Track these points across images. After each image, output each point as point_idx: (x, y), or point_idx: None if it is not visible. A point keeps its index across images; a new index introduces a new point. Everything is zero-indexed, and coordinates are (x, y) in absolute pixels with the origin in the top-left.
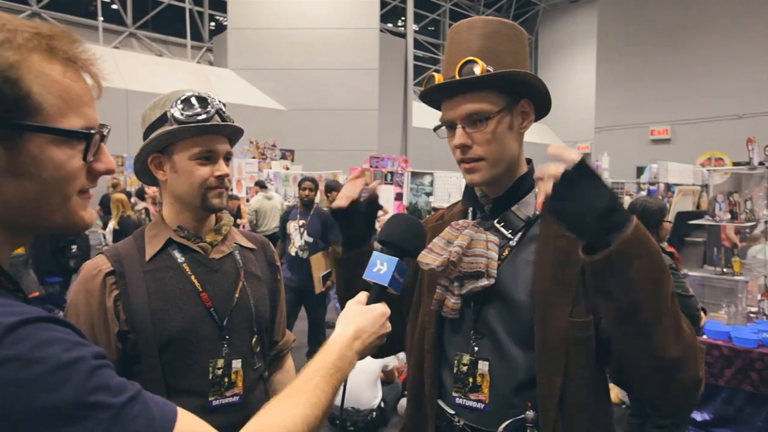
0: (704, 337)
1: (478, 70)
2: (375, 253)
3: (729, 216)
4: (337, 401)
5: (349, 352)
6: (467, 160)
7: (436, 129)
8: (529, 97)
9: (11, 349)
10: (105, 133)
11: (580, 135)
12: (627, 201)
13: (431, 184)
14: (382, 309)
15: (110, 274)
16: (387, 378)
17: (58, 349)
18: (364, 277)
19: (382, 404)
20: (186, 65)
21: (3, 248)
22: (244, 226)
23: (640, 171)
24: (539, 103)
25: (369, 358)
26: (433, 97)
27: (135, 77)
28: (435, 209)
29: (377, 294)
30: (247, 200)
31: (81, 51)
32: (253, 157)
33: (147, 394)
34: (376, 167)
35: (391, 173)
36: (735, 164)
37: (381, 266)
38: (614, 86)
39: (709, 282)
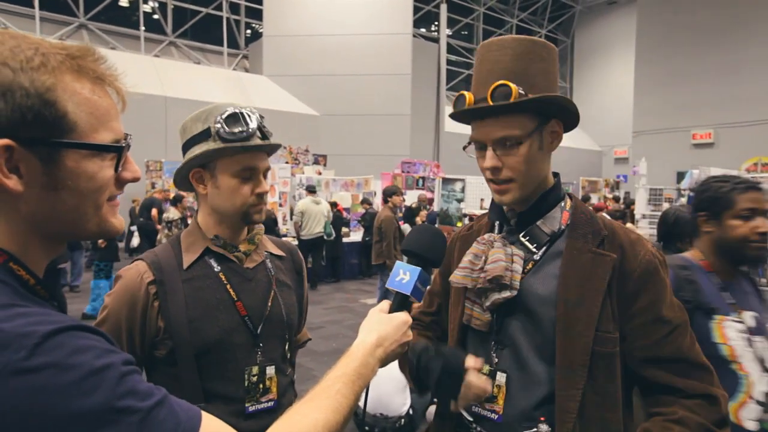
0: None
1: (510, 95)
2: (398, 263)
3: None
4: (369, 410)
5: (372, 359)
6: (497, 182)
7: (465, 147)
8: (558, 116)
9: (48, 356)
10: (130, 143)
11: (618, 139)
12: (666, 207)
13: (462, 190)
14: (404, 318)
15: (152, 283)
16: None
17: (90, 356)
18: (387, 285)
19: (411, 411)
20: (222, 72)
21: (41, 258)
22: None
23: (680, 176)
24: (568, 120)
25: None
26: (463, 116)
27: (174, 84)
28: (465, 215)
29: (399, 303)
30: (280, 205)
31: (106, 68)
32: (287, 162)
33: (173, 399)
34: (408, 172)
35: (423, 178)
36: None
37: (404, 275)
38: (654, 89)
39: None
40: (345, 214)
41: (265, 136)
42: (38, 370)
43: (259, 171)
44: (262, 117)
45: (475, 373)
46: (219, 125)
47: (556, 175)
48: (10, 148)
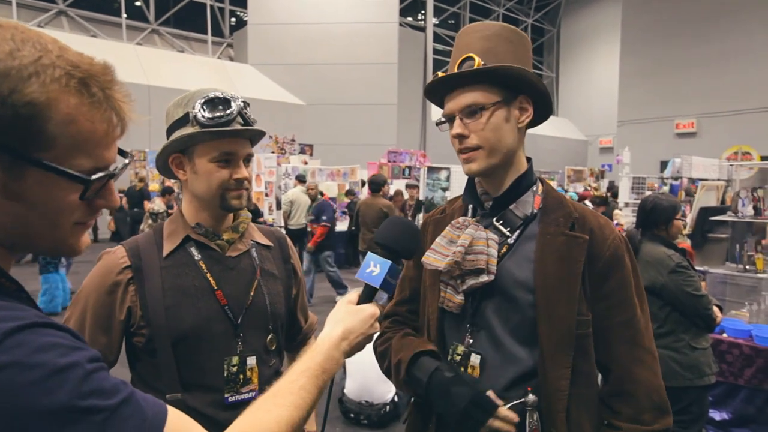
0: (724, 335)
1: (474, 65)
2: (369, 254)
3: (753, 212)
4: (354, 397)
5: (336, 353)
6: (464, 150)
7: (438, 124)
8: (527, 94)
9: (8, 355)
10: (116, 173)
11: (603, 129)
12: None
13: (447, 179)
14: (371, 310)
15: (128, 268)
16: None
17: (54, 354)
18: (357, 276)
19: (396, 398)
20: (207, 61)
21: (6, 256)
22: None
23: (663, 166)
24: (540, 101)
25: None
26: (437, 94)
27: (157, 73)
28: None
29: (368, 294)
30: (266, 195)
31: (115, 90)
32: (272, 152)
33: (139, 394)
34: (394, 162)
35: (409, 168)
36: (763, 159)
37: (374, 268)
38: (638, 79)
39: (731, 279)
40: (332, 203)
41: (246, 122)
42: None
43: (238, 156)
44: (246, 104)
45: (505, 409)
46: (197, 110)
47: (529, 160)
48: None
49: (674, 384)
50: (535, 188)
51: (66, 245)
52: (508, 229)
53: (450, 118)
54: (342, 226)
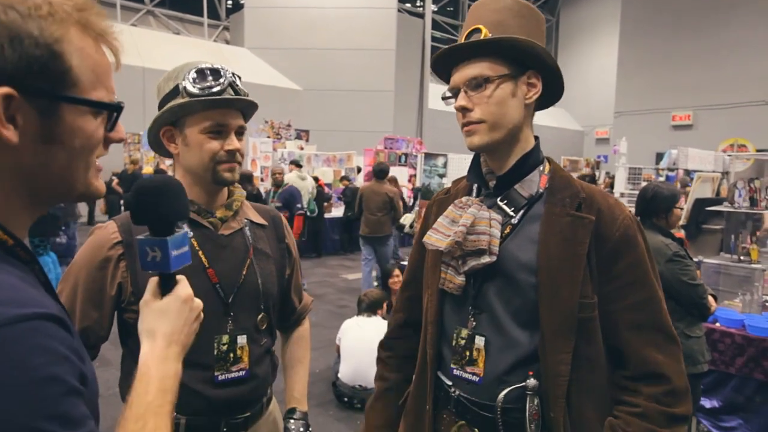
0: (717, 324)
1: (481, 37)
2: (139, 241)
3: (748, 203)
4: (348, 381)
5: (169, 366)
6: (467, 123)
7: (444, 99)
8: (536, 69)
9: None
10: (123, 105)
11: (599, 120)
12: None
13: (445, 165)
14: (181, 295)
15: (119, 243)
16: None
17: (42, 361)
18: (143, 269)
19: None
20: (202, 43)
21: (22, 220)
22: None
23: (659, 157)
24: (550, 79)
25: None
26: (444, 67)
27: (152, 55)
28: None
29: (166, 283)
30: (261, 180)
31: (107, 25)
32: (268, 137)
33: None
34: (391, 148)
35: (405, 155)
36: (758, 151)
37: (153, 253)
38: (636, 70)
39: (725, 269)
40: (327, 189)
41: (237, 93)
42: None
43: (229, 128)
44: (237, 76)
45: None
46: (187, 81)
47: (536, 138)
48: (10, 97)
49: None
50: (542, 168)
51: (93, 186)
52: (512, 209)
53: (455, 92)
54: (337, 212)
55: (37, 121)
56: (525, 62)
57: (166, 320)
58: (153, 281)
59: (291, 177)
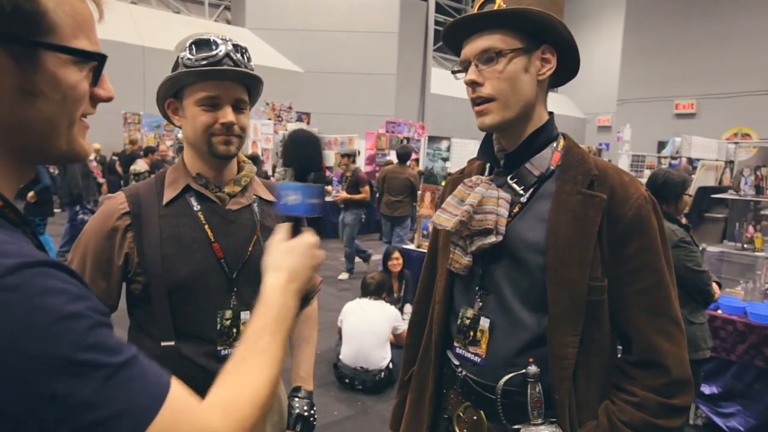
0: (719, 311)
1: (494, 7)
2: (280, 184)
3: (754, 191)
4: (350, 363)
5: (288, 299)
6: (478, 101)
7: (454, 72)
8: (551, 43)
9: (10, 293)
10: (106, 56)
11: (602, 107)
12: (647, 174)
13: (448, 149)
14: (307, 240)
15: (127, 214)
16: (397, 342)
17: (60, 300)
18: (278, 212)
19: (391, 365)
20: (203, 23)
21: (10, 179)
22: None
23: (661, 146)
24: (565, 54)
25: (379, 321)
26: (455, 39)
27: (152, 34)
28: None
29: (297, 225)
30: (263, 162)
31: None
32: (269, 119)
33: (144, 359)
34: (393, 132)
35: (407, 139)
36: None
37: (290, 196)
38: (640, 57)
39: (728, 257)
40: (328, 172)
41: (237, 65)
42: None
43: (223, 100)
44: (241, 47)
45: None
46: (185, 51)
47: (550, 114)
48: None
49: None
50: (555, 144)
51: (78, 144)
52: (522, 187)
53: (465, 65)
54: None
55: (15, 69)
56: (540, 36)
57: (292, 258)
58: (285, 226)
59: None
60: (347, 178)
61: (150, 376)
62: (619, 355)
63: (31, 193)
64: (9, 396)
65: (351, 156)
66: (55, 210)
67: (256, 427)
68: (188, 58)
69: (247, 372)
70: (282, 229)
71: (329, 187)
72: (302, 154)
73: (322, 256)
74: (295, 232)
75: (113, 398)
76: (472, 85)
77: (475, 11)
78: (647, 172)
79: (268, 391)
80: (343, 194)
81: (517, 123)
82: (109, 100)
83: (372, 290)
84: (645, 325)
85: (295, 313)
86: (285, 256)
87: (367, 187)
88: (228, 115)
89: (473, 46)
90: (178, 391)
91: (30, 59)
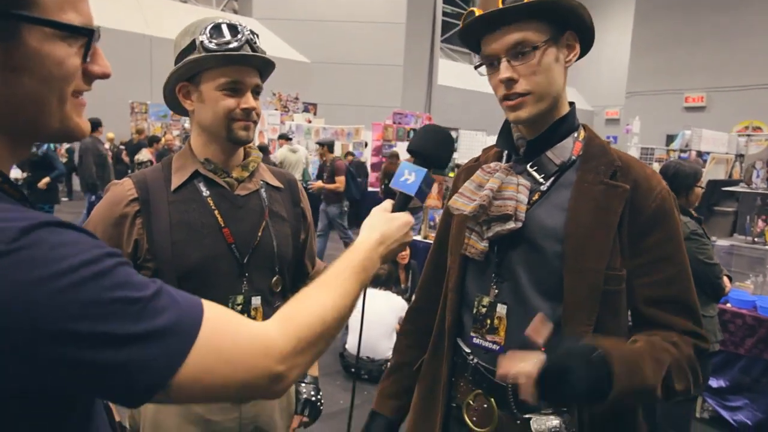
0: (728, 305)
1: None
2: (403, 163)
3: (766, 184)
4: (354, 351)
5: (375, 255)
6: (512, 96)
7: (477, 67)
8: (573, 28)
9: (28, 251)
10: (100, 33)
11: (610, 100)
12: (656, 167)
13: (456, 140)
14: (406, 218)
15: (135, 200)
16: None
17: (76, 250)
18: (391, 185)
19: None
20: (210, 13)
21: (4, 156)
22: None
23: (670, 139)
24: (583, 37)
25: (386, 311)
26: (473, 33)
27: (159, 24)
28: (458, 166)
29: (402, 203)
30: (269, 152)
31: None
32: (276, 110)
33: (171, 287)
34: (399, 123)
35: (414, 130)
36: None
37: (408, 176)
38: (650, 49)
39: (738, 251)
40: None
41: (255, 51)
42: (19, 266)
43: (246, 86)
44: (255, 34)
45: None
46: (204, 36)
47: (571, 104)
48: None
49: None
50: (576, 134)
51: (73, 122)
52: (542, 176)
53: (492, 61)
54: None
55: None
56: (564, 22)
57: (389, 226)
58: (390, 201)
59: (282, 151)
60: (326, 168)
61: (182, 300)
62: None
63: (45, 179)
64: (51, 348)
65: (326, 145)
66: (63, 199)
67: (314, 345)
68: (210, 42)
69: (316, 294)
70: (387, 203)
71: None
72: (441, 149)
73: (411, 238)
74: (399, 208)
75: (152, 326)
76: (507, 82)
77: (500, 5)
78: (656, 166)
79: (336, 315)
80: (319, 183)
81: (547, 114)
82: (104, 76)
83: (383, 281)
84: (666, 312)
85: (374, 271)
86: (383, 222)
87: (342, 177)
88: (250, 100)
89: (502, 42)
90: (212, 306)
91: (12, 33)
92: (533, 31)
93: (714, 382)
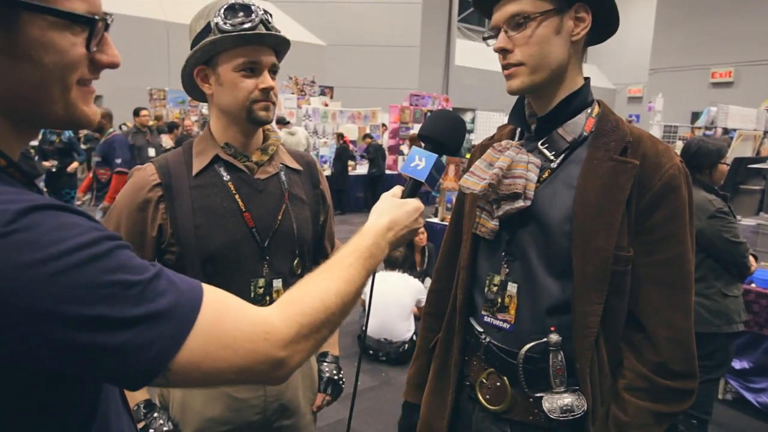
0: (753, 285)
1: None
2: (414, 148)
3: None
4: (374, 334)
5: (383, 241)
6: (507, 66)
7: (485, 39)
8: (586, 2)
9: (25, 233)
10: (109, 22)
11: (632, 77)
12: (679, 146)
13: (473, 121)
14: (416, 204)
15: (158, 185)
16: (421, 314)
17: (75, 232)
18: (401, 171)
19: (414, 337)
20: None
21: (10, 140)
22: None
23: (695, 116)
24: (601, 11)
25: (404, 293)
26: (487, 3)
27: (176, 10)
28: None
29: (412, 189)
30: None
31: None
32: (292, 93)
33: (170, 271)
34: (416, 105)
35: (431, 112)
36: None
37: (419, 162)
38: (676, 23)
39: (764, 230)
40: (351, 146)
41: (269, 30)
42: (14, 249)
43: (263, 65)
44: (269, 13)
45: None
46: (218, 17)
47: (586, 79)
48: None
49: (702, 330)
50: (589, 110)
51: (79, 110)
52: (553, 153)
53: (496, 31)
54: (362, 169)
55: None
56: None
57: (398, 212)
58: (400, 187)
59: (281, 135)
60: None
61: (181, 283)
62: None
63: (74, 164)
64: (48, 331)
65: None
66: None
67: (317, 331)
68: (224, 23)
69: (320, 280)
70: (397, 188)
71: (351, 162)
72: (452, 134)
73: (421, 224)
74: (409, 194)
75: (150, 309)
76: (502, 52)
77: None
78: (680, 144)
79: (339, 301)
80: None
81: (547, 86)
82: (113, 66)
83: (396, 263)
84: (661, 297)
85: (382, 257)
86: (392, 208)
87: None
88: (267, 80)
89: (503, 12)
90: (212, 290)
91: (12, 21)
92: (531, 2)
93: (737, 364)
